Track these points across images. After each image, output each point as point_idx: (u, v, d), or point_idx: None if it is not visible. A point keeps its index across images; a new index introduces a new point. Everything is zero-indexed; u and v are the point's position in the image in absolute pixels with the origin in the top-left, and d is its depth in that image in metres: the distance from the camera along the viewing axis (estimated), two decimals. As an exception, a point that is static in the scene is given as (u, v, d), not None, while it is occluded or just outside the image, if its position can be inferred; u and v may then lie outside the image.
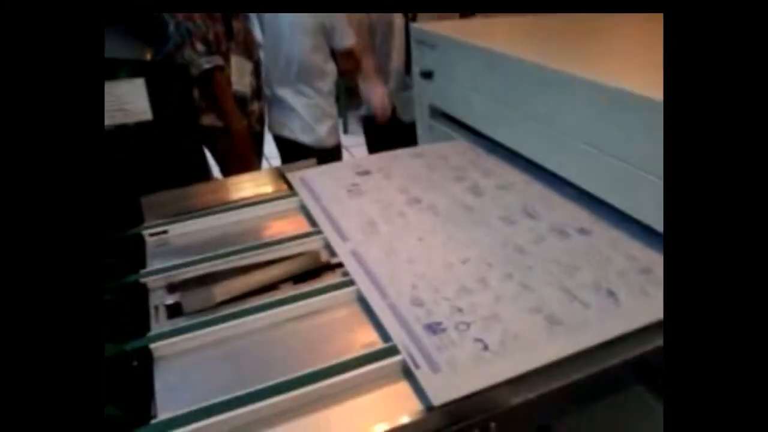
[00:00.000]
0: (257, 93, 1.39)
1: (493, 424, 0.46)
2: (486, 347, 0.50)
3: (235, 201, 0.79)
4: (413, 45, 1.05)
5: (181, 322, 0.55)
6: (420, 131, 1.13)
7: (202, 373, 0.51)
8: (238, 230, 0.73)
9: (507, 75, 0.81)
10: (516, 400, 0.47)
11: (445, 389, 0.46)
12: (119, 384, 0.50)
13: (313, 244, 0.68)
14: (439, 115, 1.04)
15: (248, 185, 0.85)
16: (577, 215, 0.70)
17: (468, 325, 0.53)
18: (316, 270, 0.64)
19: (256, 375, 0.49)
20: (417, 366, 0.48)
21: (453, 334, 0.52)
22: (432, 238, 0.67)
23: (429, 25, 1.02)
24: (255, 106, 1.38)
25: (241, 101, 1.32)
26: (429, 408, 0.45)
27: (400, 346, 0.50)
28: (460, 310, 0.55)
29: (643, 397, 0.57)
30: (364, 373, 0.48)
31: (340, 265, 0.64)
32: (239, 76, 1.29)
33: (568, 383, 0.48)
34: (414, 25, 1.05)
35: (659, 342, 0.52)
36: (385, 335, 0.53)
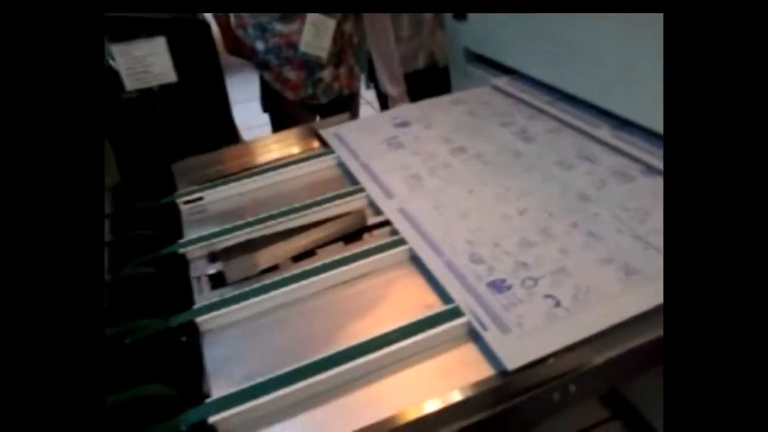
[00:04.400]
0: (339, 59, 1.11)
1: (573, 387, 0.42)
2: (558, 303, 0.46)
3: (270, 162, 0.75)
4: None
5: (226, 293, 0.52)
6: (455, 77, 1.06)
7: (253, 346, 0.48)
8: (276, 193, 0.70)
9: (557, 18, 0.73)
10: (596, 360, 0.43)
11: (518, 352, 0.42)
12: (168, 361, 0.48)
13: (356, 203, 0.64)
14: (476, 58, 0.97)
15: (280, 146, 0.81)
16: (640, 156, 0.64)
17: (536, 280, 0.48)
18: (362, 230, 0.60)
19: (310, 345, 0.46)
20: (485, 328, 0.44)
21: (520, 291, 0.47)
22: (483, 189, 0.62)
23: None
24: (327, 74, 1.10)
25: (307, 66, 1.08)
26: (503, 372, 0.42)
27: (463, 307, 0.46)
28: (524, 264, 0.50)
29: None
30: (427, 338, 0.45)
31: (386, 223, 0.60)
32: (312, 36, 1.05)
33: (650, 340, 0.44)
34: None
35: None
36: (445, 296, 0.49)
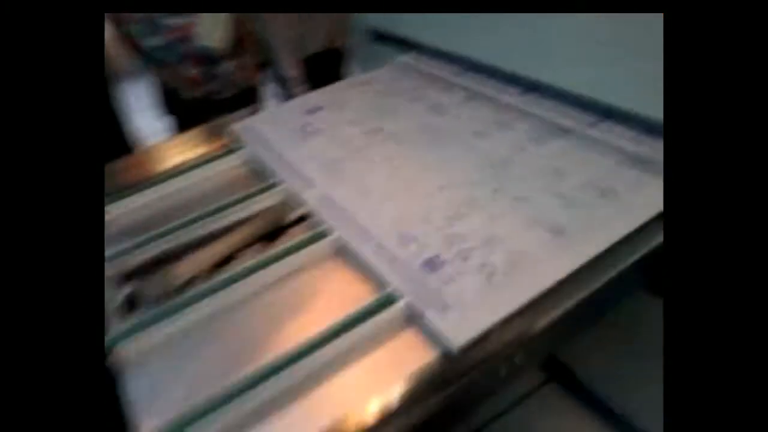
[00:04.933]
0: (239, 49, 1.04)
1: (517, 358, 0.42)
2: (493, 272, 0.45)
3: (175, 167, 0.69)
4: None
5: (144, 314, 0.48)
6: (360, 58, 1.04)
7: (183, 367, 0.44)
8: (186, 199, 0.64)
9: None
10: (537, 327, 0.42)
11: (460, 330, 0.41)
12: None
13: (274, 197, 0.60)
14: (381, 37, 0.95)
15: (184, 148, 0.75)
16: (551, 118, 0.64)
17: (468, 251, 0.47)
18: (284, 227, 0.57)
19: (244, 356, 0.43)
20: (424, 309, 0.43)
21: (455, 264, 0.46)
22: (404, 168, 0.60)
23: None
24: (227, 66, 1.02)
25: (206, 60, 1.00)
26: (447, 352, 0.40)
27: (399, 292, 0.44)
28: (455, 237, 0.49)
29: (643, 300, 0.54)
30: (366, 329, 0.43)
31: (308, 216, 0.57)
32: (208, 27, 0.97)
33: (583, 299, 0.44)
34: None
35: (660, 239, 0.49)
36: (380, 282, 0.47)
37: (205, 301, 0.47)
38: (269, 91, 1.17)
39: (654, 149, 0.55)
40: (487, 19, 0.71)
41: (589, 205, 0.50)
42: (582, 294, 0.44)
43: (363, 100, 0.77)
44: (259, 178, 0.65)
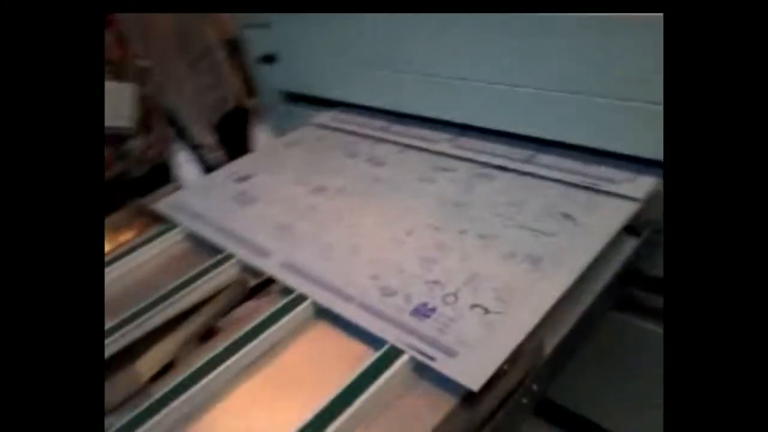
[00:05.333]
0: (147, 124, 0.99)
1: (534, 386, 0.41)
2: (486, 310, 0.45)
3: (107, 255, 0.63)
4: (245, 31, 0.94)
5: (112, 423, 0.41)
6: (274, 120, 1.03)
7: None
8: (121, 290, 0.58)
9: (380, 33, 0.74)
10: (545, 352, 0.43)
11: (475, 370, 0.39)
12: None
13: (230, 272, 0.56)
14: (294, 98, 0.95)
15: (107, 235, 0.69)
16: (491, 159, 0.67)
17: (455, 294, 0.47)
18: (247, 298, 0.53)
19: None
20: (432, 358, 0.41)
21: (445, 309, 0.46)
22: (361, 221, 0.59)
23: None
24: (137, 144, 0.98)
25: (114, 140, 0.94)
26: (467, 396, 0.39)
27: (400, 345, 0.43)
28: (436, 282, 0.49)
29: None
30: (376, 390, 0.40)
31: (269, 282, 0.54)
32: (111, 106, 0.92)
33: (583, 312, 0.46)
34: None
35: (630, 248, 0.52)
36: (372, 341, 0.45)
37: (186, 395, 0.42)
38: (180, 164, 1.12)
39: (592, 174, 0.59)
40: (403, 69, 0.74)
41: (554, 231, 0.52)
42: (578, 312, 0.45)
43: (296, 161, 0.75)
44: (204, 255, 0.60)
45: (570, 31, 0.55)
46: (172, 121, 1.10)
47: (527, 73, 0.61)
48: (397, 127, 0.79)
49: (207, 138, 1.08)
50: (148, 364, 0.46)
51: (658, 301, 0.61)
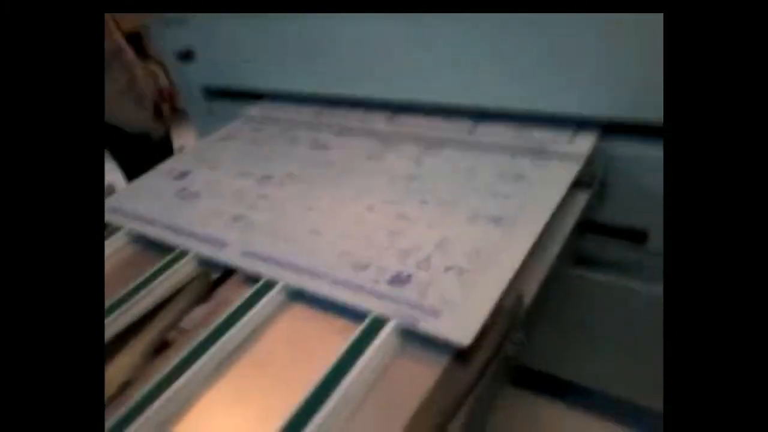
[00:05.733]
0: None
1: (519, 335, 0.43)
2: (461, 270, 0.46)
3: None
4: (153, 28, 0.89)
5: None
6: (198, 119, 0.99)
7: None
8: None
9: (304, 19, 0.73)
10: (525, 303, 0.44)
11: (462, 327, 0.40)
12: None
13: (187, 267, 0.54)
14: (217, 93, 0.92)
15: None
16: (434, 132, 0.69)
17: (427, 260, 0.48)
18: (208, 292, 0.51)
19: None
20: (418, 320, 0.42)
21: (421, 275, 0.46)
22: (317, 204, 0.59)
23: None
24: None
25: None
26: (457, 354, 0.40)
27: (383, 313, 0.43)
28: (407, 251, 0.49)
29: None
30: (366, 362, 0.40)
31: (231, 272, 0.52)
32: None
33: (552, 262, 0.48)
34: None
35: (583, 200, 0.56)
36: (354, 315, 0.45)
37: (167, 394, 0.40)
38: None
39: (533, 138, 0.62)
40: (330, 51, 0.73)
41: (510, 192, 0.54)
42: (547, 262, 0.47)
43: (235, 154, 0.73)
44: (155, 255, 0.57)
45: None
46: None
47: (458, 45, 0.63)
48: (330, 113, 0.79)
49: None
50: (117, 370, 0.43)
51: (608, 250, 0.66)
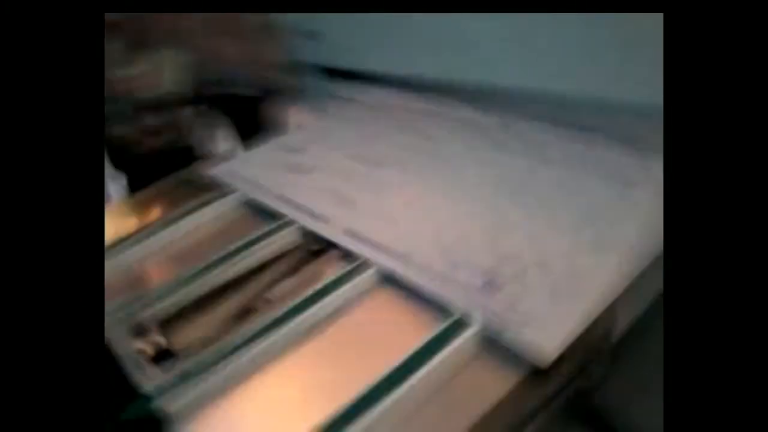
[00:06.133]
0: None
1: (599, 369, 0.42)
2: (555, 288, 0.45)
3: (164, 218, 0.64)
4: None
5: (183, 366, 0.42)
6: (312, 97, 1.03)
7: (242, 424, 0.39)
8: (184, 249, 0.59)
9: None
10: (613, 336, 0.43)
11: (544, 347, 0.39)
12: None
13: (290, 236, 0.57)
14: (338, 74, 0.95)
15: (160, 201, 0.70)
16: (554, 139, 0.67)
17: (524, 272, 0.47)
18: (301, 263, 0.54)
19: (315, 404, 0.39)
20: (502, 330, 0.41)
21: (514, 285, 0.46)
22: (423, 194, 0.60)
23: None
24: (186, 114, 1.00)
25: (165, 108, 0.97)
26: (533, 373, 0.39)
27: (470, 314, 0.43)
28: (504, 258, 0.49)
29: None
30: (443, 358, 0.40)
31: (330, 246, 0.54)
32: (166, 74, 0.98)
33: (651, 302, 0.46)
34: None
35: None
36: (440, 309, 0.45)
37: (255, 349, 0.43)
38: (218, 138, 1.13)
39: (652, 171, 0.59)
40: (452, 38, 0.72)
41: (619, 220, 0.52)
42: (644, 302, 0.45)
43: (349, 135, 0.76)
44: (263, 220, 0.61)
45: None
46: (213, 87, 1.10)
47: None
48: (447, 105, 0.78)
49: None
50: (221, 314, 0.47)
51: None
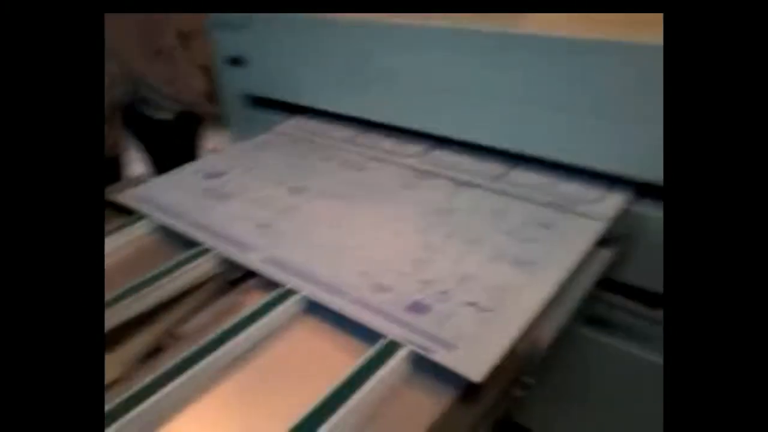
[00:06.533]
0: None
1: (529, 380, 0.42)
2: (480, 308, 0.46)
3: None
4: (214, 32, 0.92)
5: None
6: (235, 126, 1.01)
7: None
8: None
9: (355, 40, 0.75)
10: (540, 348, 0.44)
11: (476, 362, 0.40)
12: None
13: (208, 264, 0.54)
14: (258, 102, 0.94)
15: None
16: (465, 169, 0.69)
17: (448, 293, 0.47)
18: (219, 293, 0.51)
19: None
20: (431, 351, 0.41)
21: (440, 307, 0.46)
22: (346, 222, 0.59)
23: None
24: None
25: None
26: (467, 390, 0.39)
27: (399, 338, 0.43)
28: (428, 281, 0.49)
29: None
30: (375, 384, 0.39)
31: (250, 275, 0.52)
32: None
33: (570, 313, 0.48)
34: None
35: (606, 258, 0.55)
36: (368, 336, 0.44)
37: (161, 391, 0.39)
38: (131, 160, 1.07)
39: (567, 191, 0.62)
40: (376, 76, 0.74)
41: (536, 238, 0.54)
42: (564, 312, 0.47)
43: (270, 162, 0.74)
44: (177, 248, 0.58)
45: (546, 49, 0.59)
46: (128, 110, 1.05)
47: (503, 86, 0.64)
48: (367, 136, 0.80)
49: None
50: (112, 365, 0.43)
51: (618, 312, 0.65)
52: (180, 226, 0.59)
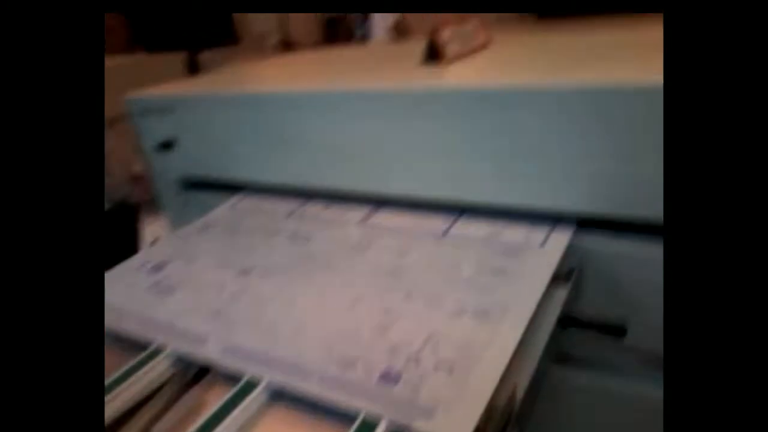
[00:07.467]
0: None
1: (512, 430, 0.42)
2: (451, 367, 0.45)
3: None
4: (138, 120, 0.90)
5: None
6: (170, 211, 0.98)
7: None
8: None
9: (289, 111, 0.76)
10: (518, 397, 0.43)
11: (457, 426, 0.39)
12: None
13: (162, 365, 0.51)
14: (194, 185, 0.92)
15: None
16: (411, 225, 0.70)
17: (416, 357, 0.47)
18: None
19: None
20: (409, 423, 0.40)
21: (411, 371, 0.45)
22: (298, 298, 0.58)
23: (151, 91, 0.90)
24: None
25: None
26: (452, 458, 0.38)
27: (374, 415, 0.41)
28: (394, 347, 0.48)
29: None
30: (357, 466, 0.38)
31: (208, 370, 0.50)
32: None
33: (540, 356, 0.48)
34: (130, 97, 0.90)
35: (563, 294, 0.56)
36: (340, 418, 0.43)
37: None
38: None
39: (514, 234, 0.64)
40: (308, 145, 0.75)
41: (493, 286, 0.55)
42: (535, 356, 0.47)
43: (213, 245, 0.72)
44: (126, 352, 0.54)
45: (463, 102, 0.61)
46: None
47: (431, 142, 0.66)
48: (310, 205, 0.80)
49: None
50: None
51: (585, 346, 0.66)
52: (126, 327, 0.56)
